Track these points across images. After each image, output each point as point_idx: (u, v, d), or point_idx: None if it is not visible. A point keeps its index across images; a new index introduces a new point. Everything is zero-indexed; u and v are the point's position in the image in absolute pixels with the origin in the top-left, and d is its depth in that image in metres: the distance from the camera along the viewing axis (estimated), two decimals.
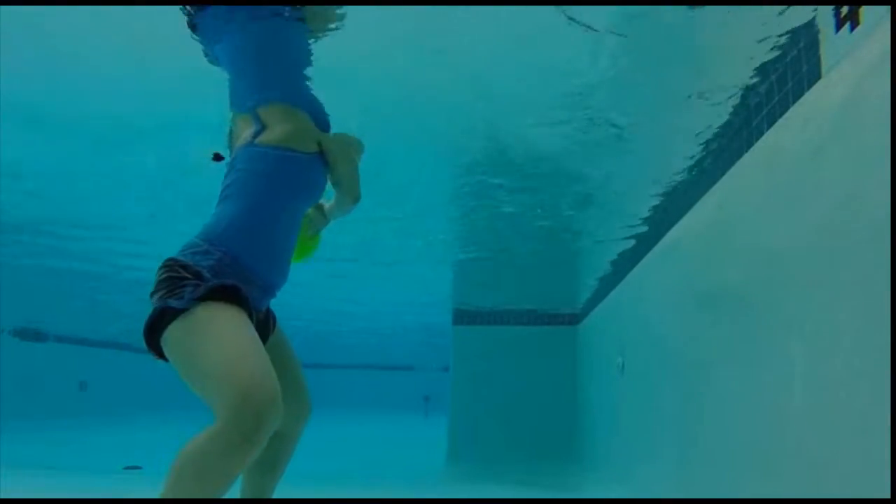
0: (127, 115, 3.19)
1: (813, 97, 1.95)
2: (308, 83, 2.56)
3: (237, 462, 1.57)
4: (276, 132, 2.07)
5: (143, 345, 1.83)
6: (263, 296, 2.01)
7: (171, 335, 1.75)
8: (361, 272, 7.03)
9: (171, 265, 1.81)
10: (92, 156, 3.78)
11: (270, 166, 2.02)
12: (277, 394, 1.64)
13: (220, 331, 1.71)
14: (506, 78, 2.59)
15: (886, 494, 1.42)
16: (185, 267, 1.79)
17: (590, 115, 2.83)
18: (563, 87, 2.61)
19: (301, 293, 8.82)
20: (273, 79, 2.35)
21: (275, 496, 2.21)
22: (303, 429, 2.19)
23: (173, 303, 1.71)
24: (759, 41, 2.12)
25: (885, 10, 1.54)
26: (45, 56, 2.64)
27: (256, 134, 2.08)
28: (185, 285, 1.74)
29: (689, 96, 2.55)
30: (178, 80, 2.71)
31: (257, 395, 1.59)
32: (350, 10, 2.19)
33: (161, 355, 1.82)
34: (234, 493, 2.07)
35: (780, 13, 1.97)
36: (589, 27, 2.16)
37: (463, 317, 7.91)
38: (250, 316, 1.82)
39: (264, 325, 2.07)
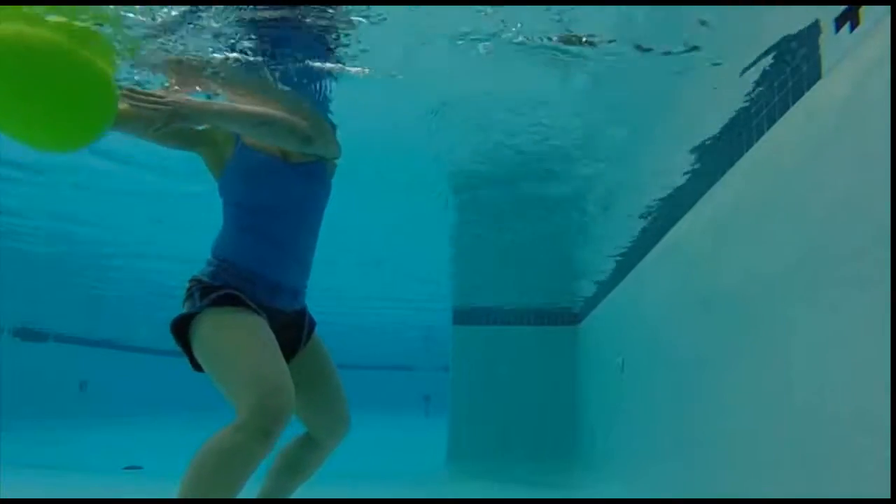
0: None
1: (813, 97, 1.95)
2: None
3: (257, 453, 1.73)
4: None
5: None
6: (274, 294, 2.07)
7: (195, 340, 1.96)
8: (361, 272, 7.03)
9: (190, 281, 2.07)
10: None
11: (225, 197, 2.17)
12: (292, 392, 1.82)
13: (233, 336, 1.91)
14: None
15: (886, 494, 1.42)
16: (195, 280, 2.05)
17: (591, 117, 2.83)
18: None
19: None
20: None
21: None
22: (338, 442, 2.22)
23: (186, 308, 1.98)
24: (759, 41, 2.12)
25: (885, 10, 1.54)
26: None
27: None
28: (193, 293, 2.01)
29: (689, 96, 2.55)
30: None
31: (275, 396, 1.77)
32: None
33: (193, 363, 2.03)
34: (251, 493, 2.07)
35: (780, 13, 1.97)
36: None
37: (463, 317, 7.89)
38: (271, 318, 2.00)
39: (295, 327, 2.14)
